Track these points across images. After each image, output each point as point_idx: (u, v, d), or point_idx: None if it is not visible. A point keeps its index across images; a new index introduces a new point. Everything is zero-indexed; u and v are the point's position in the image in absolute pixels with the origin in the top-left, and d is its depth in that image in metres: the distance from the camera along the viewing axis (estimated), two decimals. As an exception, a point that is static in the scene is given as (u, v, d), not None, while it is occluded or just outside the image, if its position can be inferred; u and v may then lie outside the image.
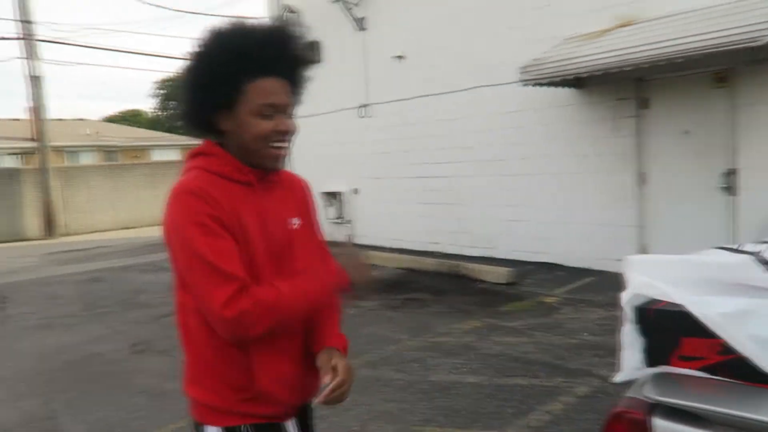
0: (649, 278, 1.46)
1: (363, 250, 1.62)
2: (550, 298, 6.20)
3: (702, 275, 1.49)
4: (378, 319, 5.88)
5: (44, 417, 4.03)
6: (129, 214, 18.31)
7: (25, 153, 24.39)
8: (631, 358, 1.46)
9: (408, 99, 9.44)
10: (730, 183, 6.16)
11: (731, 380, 1.30)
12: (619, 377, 1.49)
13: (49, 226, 16.19)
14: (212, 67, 1.40)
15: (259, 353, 1.43)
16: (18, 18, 15.73)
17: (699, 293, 1.41)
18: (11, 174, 16.80)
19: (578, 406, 3.64)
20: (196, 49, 1.43)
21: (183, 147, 28.39)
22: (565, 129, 7.45)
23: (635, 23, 6.47)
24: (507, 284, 6.90)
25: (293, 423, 1.54)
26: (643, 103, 6.77)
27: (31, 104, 16.60)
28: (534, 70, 6.70)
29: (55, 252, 13.11)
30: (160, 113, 45.66)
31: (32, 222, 16.45)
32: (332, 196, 10.91)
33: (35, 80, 16.04)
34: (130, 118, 44.80)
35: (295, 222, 1.56)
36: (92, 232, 17.30)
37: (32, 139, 17.20)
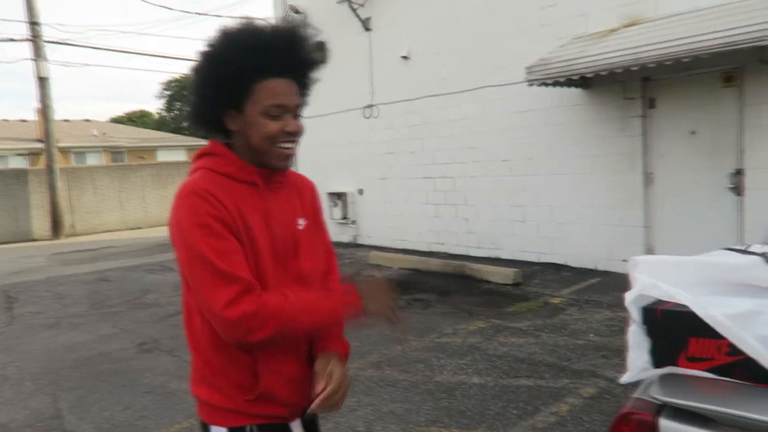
0: (654, 279, 1.45)
1: (391, 283, 1.53)
2: (556, 299, 6.19)
3: (708, 276, 1.49)
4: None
5: (51, 416, 4.05)
6: (135, 215, 18.40)
7: (32, 154, 24.55)
8: (638, 358, 1.45)
9: (413, 99, 9.44)
10: (737, 183, 6.13)
11: (739, 381, 1.30)
12: (625, 378, 1.48)
13: (56, 227, 16.27)
14: (222, 66, 1.40)
15: (264, 354, 1.43)
16: (25, 19, 15.83)
17: (705, 294, 1.40)
18: (18, 175, 16.90)
19: (584, 407, 3.63)
20: (206, 49, 1.43)
21: (189, 148, 28.53)
22: (572, 129, 7.43)
23: (642, 23, 6.44)
24: (513, 285, 6.88)
25: (298, 423, 1.54)
26: (650, 103, 6.75)
27: (39, 105, 16.72)
28: (540, 70, 6.68)
29: (61, 252, 13.18)
30: (166, 114, 45.85)
31: (39, 222, 16.54)
32: (337, 196, 10.92)
33: (42, 81, 16.13)
34: (137, 119, 45.03)
35: (301, 222, 1.56)
36: (99, 232, 17.39)
37: (39, 140, 17.30)
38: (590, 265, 7.34)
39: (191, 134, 29.22)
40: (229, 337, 1.35)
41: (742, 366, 1.28)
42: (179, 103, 43.37)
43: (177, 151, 28.74)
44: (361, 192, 10.77)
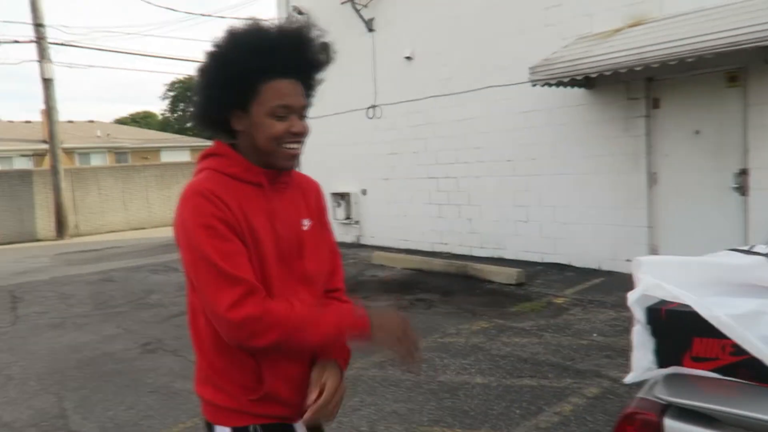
0: (658, 279, 1.45)
1: (405, 317, 1.49)
2: (560, 299, 6.18)
3: (712, 276, 1.49)
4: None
5: (55, 415, 4.06)
6: (139, 215, 18.45)
7: (36, 155, 24.66)
8: (642, 358, 1.45)
9: (417, 100, 9.44)
10: (741, 183, 6.11)
11: (744, 381, 1.30)
12: (630, 378, 1.48)
13: (60, 227, 16.32)
14: (228, 67, 1.40)
15: (268, 354, 1.43)
16: (30, 21, 15.88)
17: (709, 295, 1.40)
18: (23, 175, 16.96)
19: (588, 407, 3.62)
20: (212, 49, 1.43)
21: (193, 148, 28.61)
22: (575, 129, 7.42)
23: (645, 23, 6.43)
24: (516, 285, 6.88)
25: (302, 424, 1.54)
26: (654, 103, 6.74)
27: (43, 106, 16.77)
28: (544, 71, 6.68)
29: (66, 252, 13.22)
30: (170, 115, 45.97)
31: (43, 223, 16.60)
32: (341, 196, 10.93)
33: (47, 83, 16.18)
34: (141, 120, 45.17)
35: (306, 223, 1.56)
36: (103, 232, 17.44)
37: (44, 141, 17.36)
38: (594, 266, 7.33)
39: (195, 135, 29.30)
40: (232, 340, 1.35)
41: (746, 366, 1.28)
42: (183, 104, 43.53)
43: (181, 151, 28.82)
44: (364, 192, 10.78)
